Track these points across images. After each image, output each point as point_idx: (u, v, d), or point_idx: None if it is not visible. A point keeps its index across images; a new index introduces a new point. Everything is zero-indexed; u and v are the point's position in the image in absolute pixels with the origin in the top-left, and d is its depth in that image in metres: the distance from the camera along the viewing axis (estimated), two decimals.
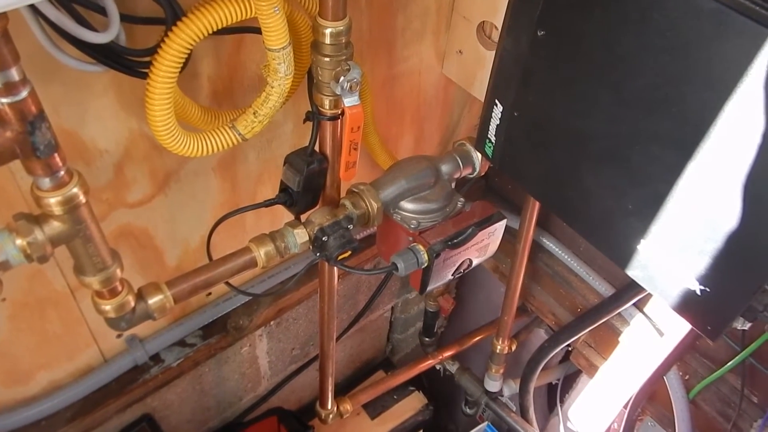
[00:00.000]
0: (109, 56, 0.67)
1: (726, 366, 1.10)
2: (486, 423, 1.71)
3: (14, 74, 0.48)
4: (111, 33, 0.62)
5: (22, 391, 1.01)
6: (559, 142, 0.80)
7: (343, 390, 1.53)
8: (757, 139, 0.59)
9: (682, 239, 0.70)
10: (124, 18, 0.64)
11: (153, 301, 0.75)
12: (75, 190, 0.58)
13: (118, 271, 0.69)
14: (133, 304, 0.73)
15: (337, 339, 1.36)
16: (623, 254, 0.78)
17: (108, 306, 0.71)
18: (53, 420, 1.03)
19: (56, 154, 0.55)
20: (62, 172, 0.57)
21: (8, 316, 0.89)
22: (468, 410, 1.74)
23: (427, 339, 1.78)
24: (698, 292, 0.71)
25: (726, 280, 0.68)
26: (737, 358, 1.07)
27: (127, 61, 0.68)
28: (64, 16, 0.59)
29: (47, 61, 0.65)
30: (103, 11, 0.61)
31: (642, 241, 0.75)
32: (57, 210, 0.58)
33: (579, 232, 0.88)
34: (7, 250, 0.57)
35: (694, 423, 1.18)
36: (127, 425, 1.18)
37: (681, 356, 1.17)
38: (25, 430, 1.01)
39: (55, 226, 0.59)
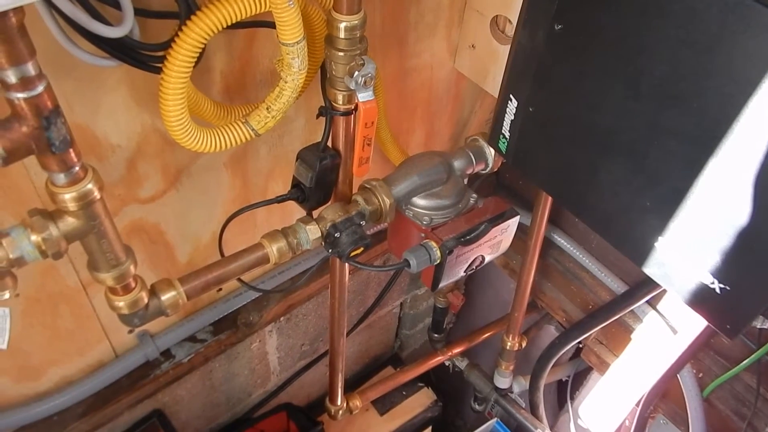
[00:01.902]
0: (122, 50, 0.66)
1: (741, 364, 1.09)
2: (495, 419, 1.70)
3: (30, 69, 0.48)
4: (125, 27, 0.62)
5: (33, 387, 1.01)
6: (576, 138, 0.79)
7: (351, 386, 1.52)
8: None
9: (701, 237, 0.70)
10: (138, 12, 0.64)
11: (166, 297, 0.75)
12: (90, 186, 0.58)
13: (132, 268, 0.68)
14: (146, 300, 0.73)
15: (347, 335, 1.36)
16: (640, 252, 0.78)
17: (121, 302, 0.70)
18: (65, 415, 1.03)
19: (71, 150, 0.55)
20: (77, 168, 0.56)
21: (21, 312, 0.89)
22: (477, 407, 1.74)
23: (435, 335, 1.77)
24: (717, 291, 0.70)
25: (747, 279, 0.68)
26: (753, 356, 1.06)
27: (141, 56, 0.68)
28: (78, 9, 0.58)
29: (61, 55, 0.65)
30: (117, 5, 0.61)
31: (660, 238, 0.74)
32: (72, 206, 0.58)
33: (594, 229, 0.87)
34: (22, 246, 0.57)
35: (708, 421, 1.17)
36: (137, 420, 1.18)
37: (695, 354, 1.16)
38: (37, 426, 1.01)
39: (69, 222, 0.59)
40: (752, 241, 0.65)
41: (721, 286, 0.70)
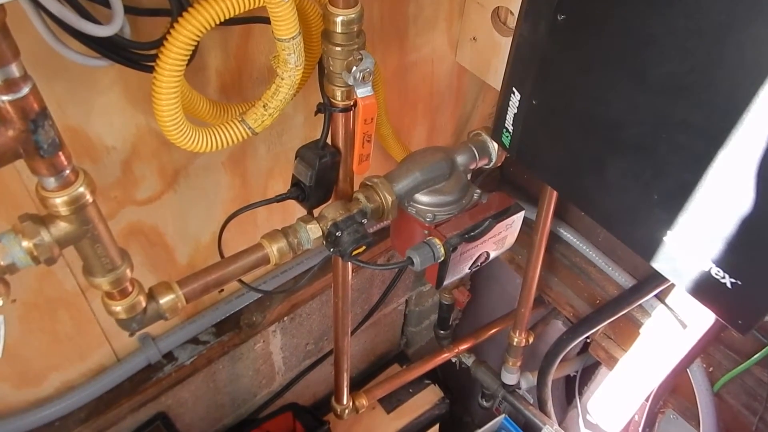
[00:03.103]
0: (113, 50, 0.65)
1: (752, 358, 1.08)
2: (503, 416, 1.69)
3: (14, 70, 0.47)
4: (115, 26, 0.60)
5: (35, 393, 1.00)
6: (581, 132, 0.78)
7: (358, 384, 1.52)
8: None
9: (711, 230, 0.68)
10: (128, 10, 0.62)
11: (164, 300, 0.74)
12: (81, 189, 0.56)
13: (128, 272, 0.67)
14: (144, 304, 0.72)
15: (352, 333, 1.35)
16: (648, 246, 0.76)
17: (118, 307, 0.70)
18: (67, 420, 1.03)
19: (61, 153, 0.53)
20: (68, 171, 0.55)
21: (19, 318, 0.88)
22: (485, 403, 1.73)
23: (442, 332, 1.77)
24: (728, 285, 0.69)
25: (759, 273, 0.66)
26: (764, 350, 1.05)
27: (133, 55, 0.66)
28: (66, 9, 0.57)
29: (51, 56, 0.64)
30: (106, 3, 0.59)
31: (668, 232, 0.73)
32: (63, 210, 0.57)
33: (601, 224, 0.85)
34: (13, 252, 0.56)
35: (719, 416, 1.16)
36: (141, 424, 1.17)
37: (705, 348, 1.15)
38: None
39: (61, 227, 0.58)
40: (764, 234, 0.63)
41: (732, 280, 0.68)
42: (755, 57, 0.57)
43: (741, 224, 0.65)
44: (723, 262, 0.68)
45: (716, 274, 0.69)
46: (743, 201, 0.64)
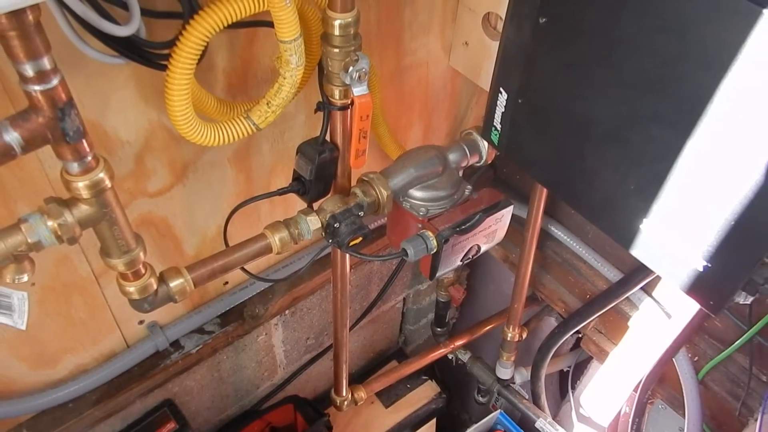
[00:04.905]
0: (130, 49, 0.70)
1: (733, 345, 1.11)
2: (499, 411, 1.73)
3: (46, 63, 0.52)
4: (132, 26, 0.65)
5: (50, 374, 1.05)
6: (563, 127, 0.82)
7: (357, 380, 1.55)
8: (751, 117, 0.62)
9: (682, 216, 0.73)
10: (144, 12, 0.67)
11: (174, 284, 0.79)
12: (101, 174, 0.62)
13: (142, 254, 0.72)
14: (155, 286, 0.77)
15: (351, 329, 1.38)
16: (627, 235, 0.80)
17: (132, 288, 0.74)
18: (79, 402, 1.07)
19: (84, 140, 0.59)
20: (90, 158, 0.60)
21: (37, 301, 0.93)
22: (481, 398, 1.76)
23: (439, 329, 1.80)
24: (700, 268, 0.73)
25: (726, 255, 0.70)
26: (744, 336, 1.08)
27: (148, 54, 0.72)
28: (88, 9, 0.62)
29: (71, 53, 0.69)
30: (124, 6, 0.65)
31: (644, 220, 0.77)
32: (85, 193, 0.61)
33: (584, 216, 0.90)
34: (39, 231, 0.61)
35: (704, 403, 1.19)
36: (149, 410, 1.21)
37: (689, 338, 1.19)
38: (54, 412, 1.05)
39: (83, 209, 0.63)
40: (729, 218, 0.68)
41: (704, 263, 0.73)
42: (715, 52, 0.61)
43: (709, 209, 0.69)
44: (694, 246, 0.73)
45: (688, 258, 0.74)
46: (710, 188, 0.68)
